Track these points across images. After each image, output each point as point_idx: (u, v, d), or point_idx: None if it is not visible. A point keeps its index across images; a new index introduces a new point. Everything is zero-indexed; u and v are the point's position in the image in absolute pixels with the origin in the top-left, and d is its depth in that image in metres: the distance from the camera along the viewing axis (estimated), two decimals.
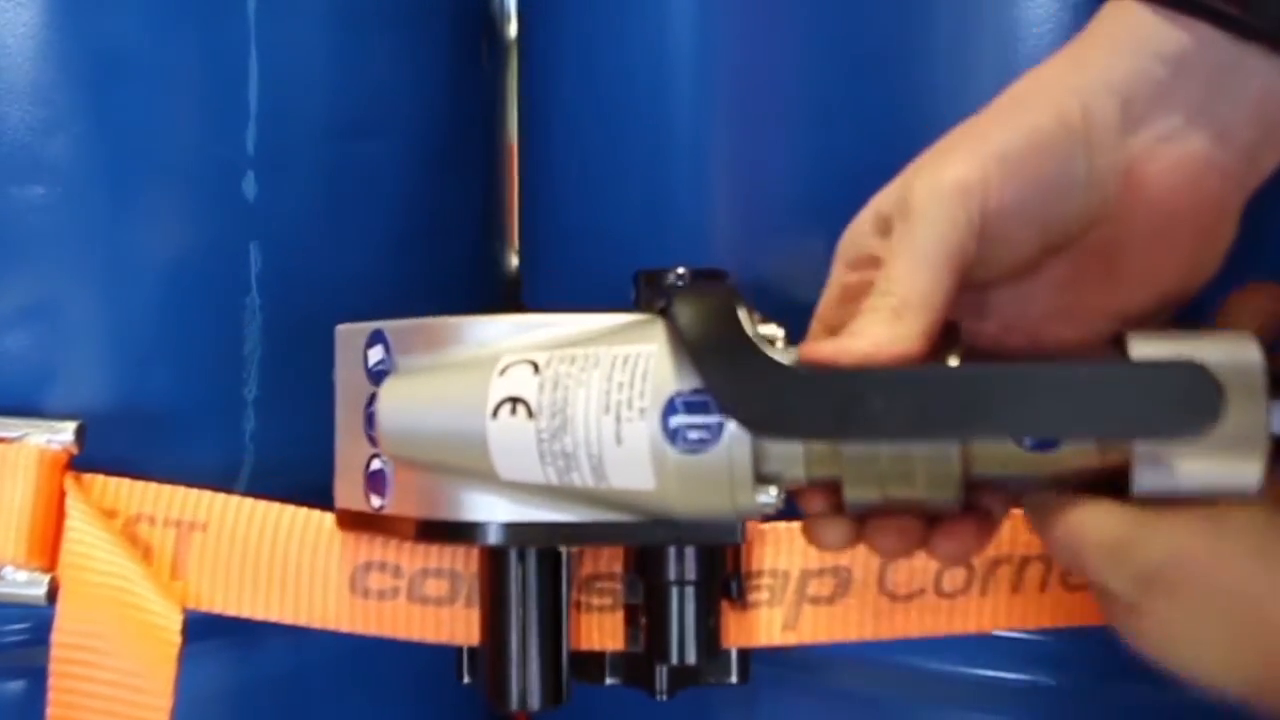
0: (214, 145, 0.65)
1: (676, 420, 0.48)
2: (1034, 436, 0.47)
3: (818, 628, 0.59)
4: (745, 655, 0.59)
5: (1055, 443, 0.47)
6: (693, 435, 0.48)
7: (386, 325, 0.56)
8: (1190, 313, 0.51)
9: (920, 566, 0.58)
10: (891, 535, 0.49)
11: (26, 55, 0.61)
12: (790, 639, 0.59)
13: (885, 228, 0.48)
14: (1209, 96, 0.47)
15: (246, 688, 0.67)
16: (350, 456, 0.57)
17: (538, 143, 0.75)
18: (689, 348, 0.48)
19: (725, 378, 0.47)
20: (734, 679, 0.59)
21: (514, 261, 0.87)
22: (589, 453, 0.48)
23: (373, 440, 0.56)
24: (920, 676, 0.60)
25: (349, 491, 0.57)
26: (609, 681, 0.58)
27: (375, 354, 0.56)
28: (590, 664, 0.58)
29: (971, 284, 0.48)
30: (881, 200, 0.49)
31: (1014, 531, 0.57)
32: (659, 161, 0.65)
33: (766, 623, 0.59)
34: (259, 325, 0.67)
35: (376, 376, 0.55)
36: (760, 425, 0.47)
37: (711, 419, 0.48)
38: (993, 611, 0.58)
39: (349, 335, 0.58)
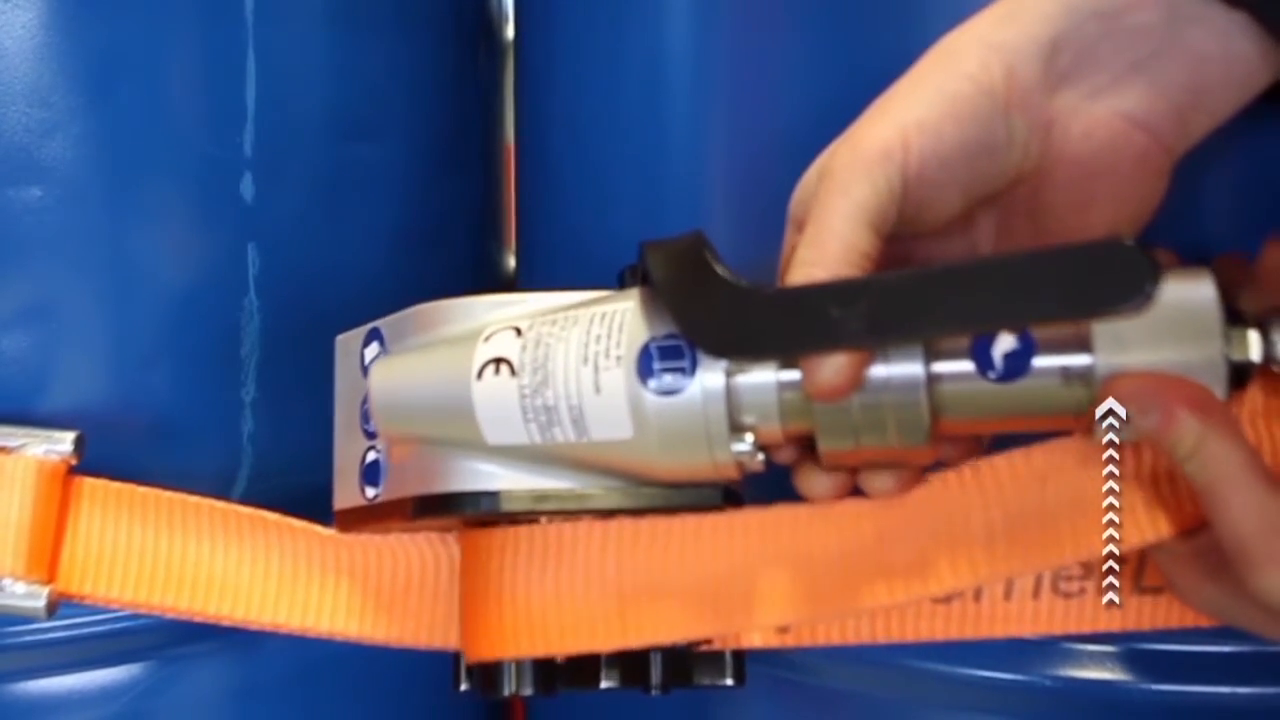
0: (212, 146, 0.65)
1: (651, 365, 0.49)
2: (986, 328, 0.47)
3: (815, 630, 0.58)
4: (740, 657, 0.58)
5: (1019, 372, 0.47)
6: (667, 378, 0.49)
7: (381, 322, 0.56)
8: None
9: None
10: (886, 474, 0.50)
11: (25, 57, 0.60)
12: (789, 641, 0.58)
13: None
14: (1140, 56, 0.48)
15: (246, 688, 0.67)
16: (347, 457, 0.58)
17: (534, 144, 0.75)
18: (656, 285, 0.49)
19: (690, 305, 0.48)
20: (729, 680, 0.58)
21: (511, 262, 0.87)
22: (569, 404, 0.49)
23: (368, 434, 0.56)
24: (919, 676, 0.61)
25: (346, 492, 0.58)
26: (604, 685, 0.58)
27: (371, 351, 0.56)
28: (585, 667, 0.58)
29: (904, 237, 0.49)
30: (825, 160, 0.50)
31: None
32: (656, 162, 0.65)
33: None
34: (257, 326, 0.67)
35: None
36: (725, 348, 0.48)
37: (684, 361, 0.49)
38: (981, 618, 0.57)
39: (347, 343, 0.58)
